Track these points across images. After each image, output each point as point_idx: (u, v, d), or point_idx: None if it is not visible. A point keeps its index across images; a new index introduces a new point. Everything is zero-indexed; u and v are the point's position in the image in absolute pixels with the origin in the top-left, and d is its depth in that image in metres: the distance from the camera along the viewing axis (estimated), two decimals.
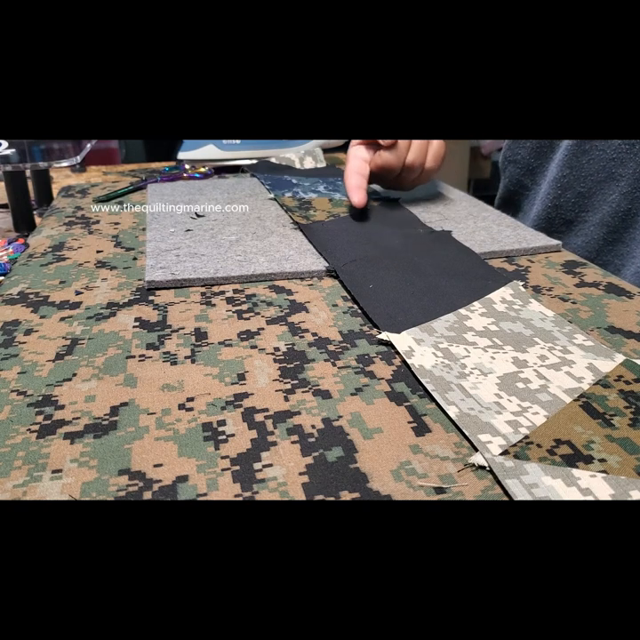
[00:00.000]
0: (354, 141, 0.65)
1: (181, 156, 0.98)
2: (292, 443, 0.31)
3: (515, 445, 0.30)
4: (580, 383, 0.35)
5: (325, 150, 1.05)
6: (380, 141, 0.61)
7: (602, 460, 0.29)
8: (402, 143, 0.61)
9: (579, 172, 0.65)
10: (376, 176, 0.64)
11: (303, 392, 0.35)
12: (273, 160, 0.90)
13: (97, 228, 0.63)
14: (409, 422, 0.32)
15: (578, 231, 0.68)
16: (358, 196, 0.60)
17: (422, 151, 0.62)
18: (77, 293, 0.47)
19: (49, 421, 0.32)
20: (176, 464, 0.29)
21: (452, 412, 0.32)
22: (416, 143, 0.62)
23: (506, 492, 0.27)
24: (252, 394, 0.35)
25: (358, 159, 0.64)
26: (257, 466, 0.29)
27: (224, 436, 0.31)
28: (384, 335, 0.40)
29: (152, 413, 0.33)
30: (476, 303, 0.44)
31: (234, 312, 0.44)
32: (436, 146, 0.63)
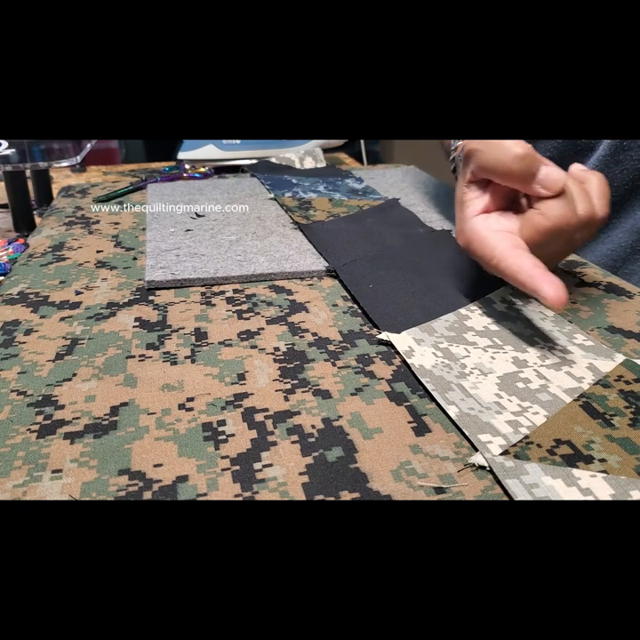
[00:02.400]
0: (470, 213, 0.43)
1: (181, 155, 0.99)
2: (292, 443, 0.31)
3: (515, 445, 0.30)
4: (580, 383, 0.35)
5: (325, 150, 1.05)
6: (541, 189, 0.39)
7: (602, 460, 0.29)
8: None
9: (610, 183, 0.60)
10: (535, 246, 0.40)
11: (303, 392, 0.35)
12: (273, 160, 0.90)
13: (97, 228, 0.63)
14: (409, 422, 0.32)
15: (605, 239, 0.64)
16: (555, 288, 0.36)
17: (586, 195, 0.40)
18: (77, 293, 0.47)
19: (49, 421, 0.32)
20: (176, 464, 0.29)
21: (452, 411, 0.32)
22: (571, 183, 0.40)
23: (506, 492, 0.27)
24: (252, 394, 0.35)
25: (500, 234, 0.41)
26: (257, 466, 0.29)
27: (224, 436, 0.31)
28: (384, 335, 0.40)
29: (152, 413, 0.33)
30: (475, 303, 0.44)
31: (234, 312, 0.44)
32: (596, 183, 0.42)
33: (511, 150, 0.39)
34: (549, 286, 0.36)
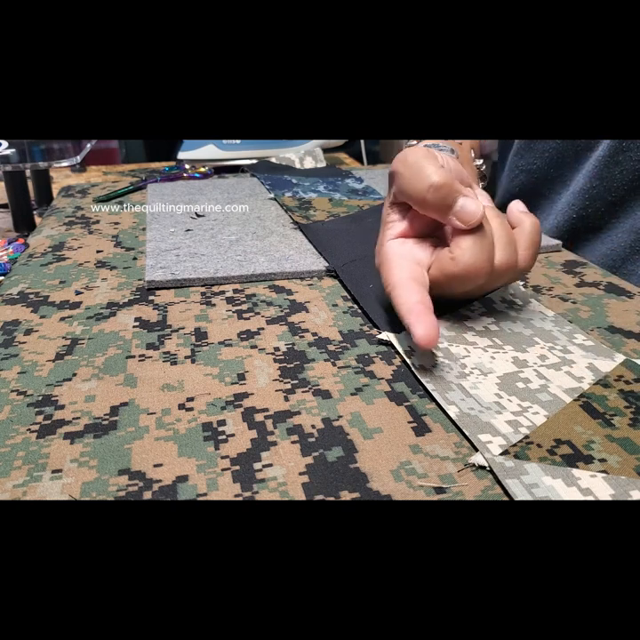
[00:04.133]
0: (389, 235, 0.41)
1: (181, 155, 0.99)
2: (292, 443, 0.31)
3: (515, 445, 0.30)
4: (580, 383, 0.35)
5: (325, 150, 1.05)
6: (456, 222, 0.37)
7: (602, 460, 0.29)
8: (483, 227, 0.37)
9: (610, 183, 0.61)
10: (439, 286, 0.39)
11: (303, 392, 0.35)
12: (273, 160, 0.90)
13: (97, 227, 0.63)
14: (409, 422, 0.32)
15: (605, 238, 0.63)
16: (424, 327, 0.34)
17: (511, 242, 0.39)
18: (77, 293, 0.47)
19: (49, 421, 0.32)
20: (176, 464, 0.29)
21: (452, 411, 0.32)
22: (497, 225, 0.39)
23: (506, 492, 0.27)
24: (252, 394, 0.35)
25: (405, 262, 0.39)
26: (257, 466, 0.29)
27: (224, 436, 0.31)
28: (384, 335, 0.40)
29: (152, 413, 0.33)
30: (475, 303, 0.44)
31: (234, 312, 0.44)
32: (528, 230, 0.40)
33: (428, 179, 0.37)
34: (421, 326, 0.33)
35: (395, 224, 0.41)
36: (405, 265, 0.38)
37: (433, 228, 0.41)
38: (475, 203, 0.37)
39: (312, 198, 0.68)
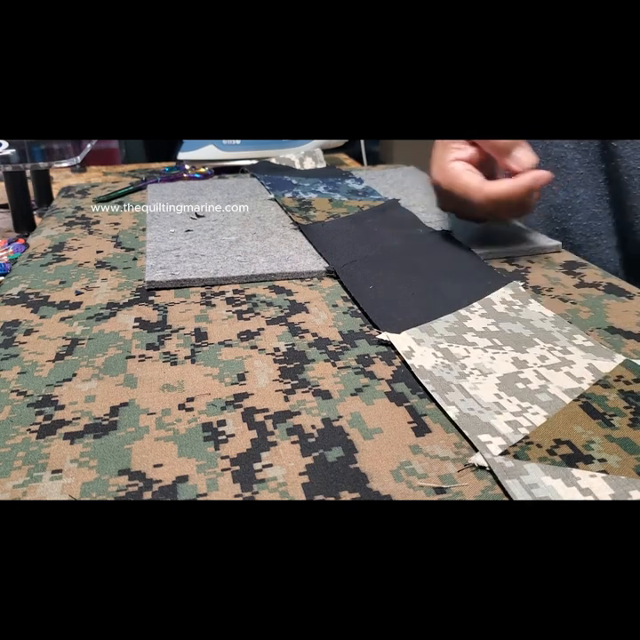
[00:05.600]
0: (452, 157, 0.51)
1: (181, 156, 0.99)
2: (292, 443, 0.31)
3: (515, 445, 0.30)
4: (580, 383, 0.35)
5: (325, 151, 1.05)
6: (512, 165, 0.50)
7: (602, 460, 0.29)
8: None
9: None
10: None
11: (303, 392, 0.35)
12: (273, 160, 0.90)
13: (97, 228, 0.63)
14: (409, 422, 0.32)
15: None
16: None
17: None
18: (77, 293, 0.47)
19: (49, 421, 0.32)
20: (176, 464, 0.29)
21: (451, 412, 0.32)
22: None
23: (506, 492, 0.27)
24: (252, 394, 0.35)
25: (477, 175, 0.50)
26: (257, 466, 0.29)
27: (224, 436, 0.31)
28: (384, 335, 0.40)
29: (152, 413, 0.33)
30: (475, 304, 0.44)
31: (234, 312, 0.44)
32: (518, 181, 0.50)
33: None
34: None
35: (461, 149, 0.49)
36: (477, 176, 0.48)
37: (485, 165, 0.50)
38: (528, 154, 0.48)
39: (312, 199, 0.68)
